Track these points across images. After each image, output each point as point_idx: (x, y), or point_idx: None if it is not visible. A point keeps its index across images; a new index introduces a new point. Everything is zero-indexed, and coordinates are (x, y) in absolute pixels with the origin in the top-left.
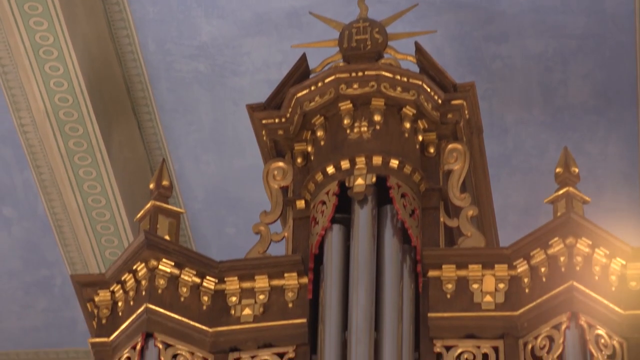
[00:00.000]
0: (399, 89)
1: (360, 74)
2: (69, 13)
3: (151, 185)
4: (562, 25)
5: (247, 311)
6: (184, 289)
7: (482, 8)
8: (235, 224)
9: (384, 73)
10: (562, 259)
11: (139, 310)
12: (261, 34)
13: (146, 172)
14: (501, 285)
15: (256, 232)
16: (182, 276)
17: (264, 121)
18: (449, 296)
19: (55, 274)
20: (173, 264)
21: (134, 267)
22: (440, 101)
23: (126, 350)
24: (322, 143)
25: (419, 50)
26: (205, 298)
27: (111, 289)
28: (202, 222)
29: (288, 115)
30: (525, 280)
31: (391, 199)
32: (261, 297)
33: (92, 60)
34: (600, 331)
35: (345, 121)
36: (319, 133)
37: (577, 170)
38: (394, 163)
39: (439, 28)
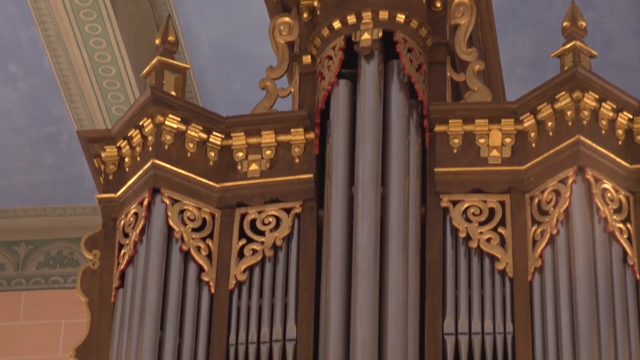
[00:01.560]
0: None
1: None
2: None
3: (157, 41)
4: None
5: (253, 167)
6: (191, 145)
7: None
8: (242, 79)
9: None
10: (569, 113)
11: (146, 166)
12: None
13: (152, 28)
14: (508, 140)
15: (262, 87)
16: (188, 132)
17: None
18: (455, 151)
19: (62, 130)
20: (179, 119)
21: (141, 123)
22: None
23: (133, 206)
24: None
25: None
26: (212, 154)
27: (118, 144)
28: (208, 77)
29: None
30: (532, 134)
31: (398, 54)
32: (268, 152)
33: None
34: (607, 185)
35: None
36: None
37: (584, 24)
38: (401, 17)
39: None
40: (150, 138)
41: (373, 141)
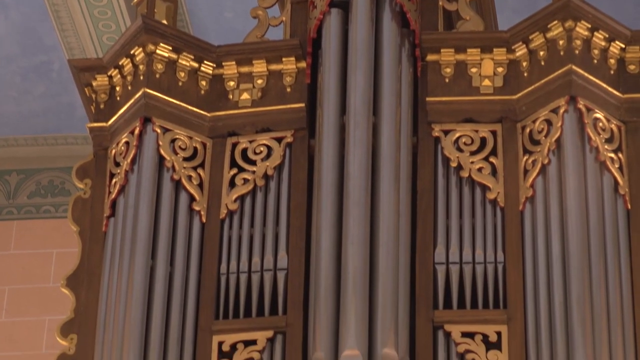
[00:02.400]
0: None
1: None
2: None
3: None
4: None
5: (245, 96)
6: (182, 74)
7: None
8: (233, 8)
9: None
10: (560, 42)
11: (137, 95)
12: None
13: None
14: (500, 69)
15: (254, 16)
16: (179, 61)
17: None
18: (447, 80)
19: (53, 59)
20: (171, 48)
21: (132, 52)
22: None
23: (124, 135)
24: None
25: None
26: (203, 83)
27: (109, 73)
28: (199, 6)
29: None
30: (524, 64)
31: None
32: (259, 81)
33: None
34: (599, 115)
35: None
36: None
37: None
38: None
39: None
40: (141, 67)
41: (365, 70)
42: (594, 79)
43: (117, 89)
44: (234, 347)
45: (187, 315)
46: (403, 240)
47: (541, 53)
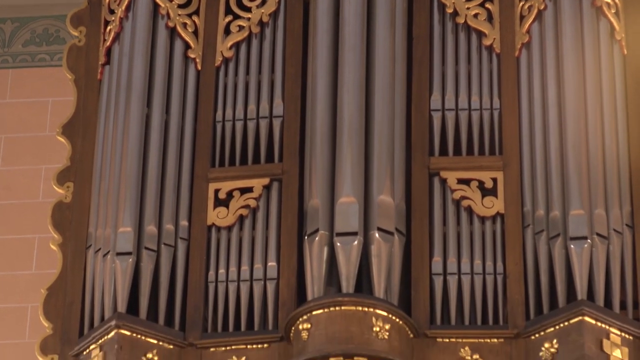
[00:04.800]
0: None
1: None
2: None
3: None
4: None
5: None
6: None
7: None
8: None
9: None
10: None
11: None
12: None
13: None
14: None
15: None
16: None
17: None
18: None
19: None
20: None
21: None
22: None
23: None
24: None
25: None
26: None
27: None
28: None
29: None
30: None
31: None
32: None
33: None
34: None
35: None
36: None
37: None
38: None
39: None
40: None
41: None
42: None
43: None
44: (230, 194)
45: (183, 163)
46: (399, 87)
47: None
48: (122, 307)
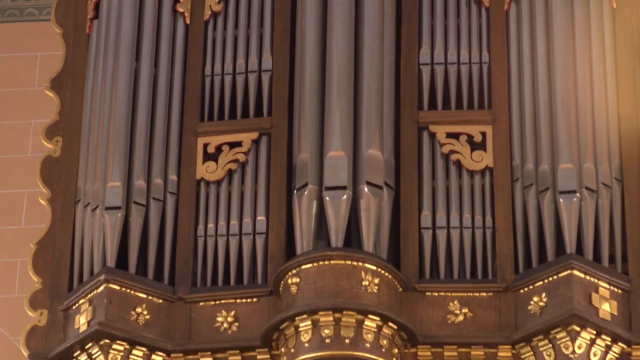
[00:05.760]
0: None
1: None
2: None
3: None
4: None
5: None
6: None
7: None
8: None
9: None
10: None
11: None
12: None
13: None
14: None
15: None
16: None
17: None
18: None
19: None
20: None
21: None
22: None
23: None
24: None
25: None
26: None
27: None
28: None
29: None
30: None
31: None
32: None
33: None
34: None
35: None
36: None
37: None
38: None
39: None
40: None
41: None
42: None
43: None
44: (219, 148)
45: (172, 118)
46: (388, 41)
47: None
48: (111, 261)
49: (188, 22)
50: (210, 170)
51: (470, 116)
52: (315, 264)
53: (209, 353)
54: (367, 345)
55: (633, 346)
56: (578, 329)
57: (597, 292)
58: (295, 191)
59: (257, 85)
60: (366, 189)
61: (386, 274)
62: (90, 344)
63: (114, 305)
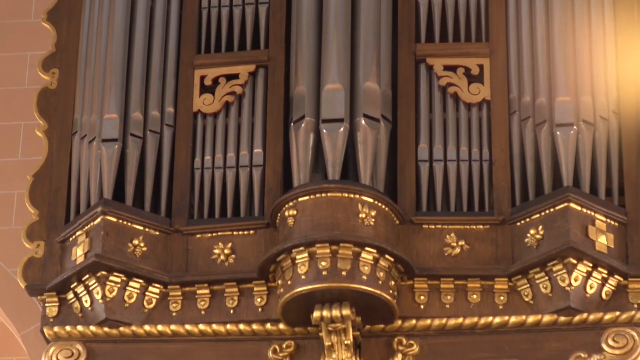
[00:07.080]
0: None
1: None
2: None
3: None
4: None
5: None
6: None
7: None
8: None
9: None
10: None
11: None
12: None
13: None
14: None
15: None
16: None
17: None
18: None
19: None
20: None
21: None
22: None
23: None
24: None
25: None
26: None
27: None
28: None
29: None
30: None
31: None
32: None
33: None
34: None
35: None
36: None
37: None
38: None
39: None
40: None
41: None
42: None
43: None
44: (216, 81)
45: (169, 50)
46: None
47: None
48: (108, 193)
49: None
50: (207, 103)
51: (468, 49)
52: (312, 197)
53: (205, 285)
54: (364, 277)
55: (630, 279)
56: (575, 261)
57: (594, 225)
58: (292, 124)
59: (254, 18)
60: (363, 122)
61: (383, 206)
62: (87, 276)
63: (111, 237)
